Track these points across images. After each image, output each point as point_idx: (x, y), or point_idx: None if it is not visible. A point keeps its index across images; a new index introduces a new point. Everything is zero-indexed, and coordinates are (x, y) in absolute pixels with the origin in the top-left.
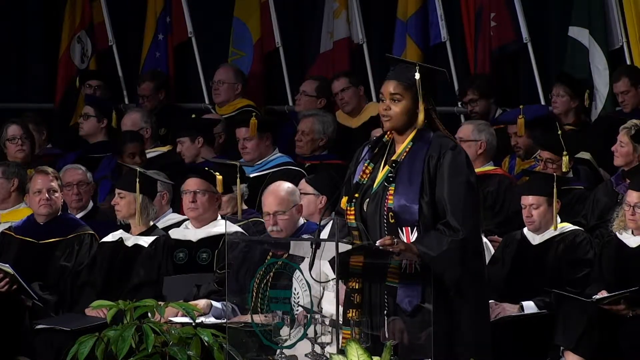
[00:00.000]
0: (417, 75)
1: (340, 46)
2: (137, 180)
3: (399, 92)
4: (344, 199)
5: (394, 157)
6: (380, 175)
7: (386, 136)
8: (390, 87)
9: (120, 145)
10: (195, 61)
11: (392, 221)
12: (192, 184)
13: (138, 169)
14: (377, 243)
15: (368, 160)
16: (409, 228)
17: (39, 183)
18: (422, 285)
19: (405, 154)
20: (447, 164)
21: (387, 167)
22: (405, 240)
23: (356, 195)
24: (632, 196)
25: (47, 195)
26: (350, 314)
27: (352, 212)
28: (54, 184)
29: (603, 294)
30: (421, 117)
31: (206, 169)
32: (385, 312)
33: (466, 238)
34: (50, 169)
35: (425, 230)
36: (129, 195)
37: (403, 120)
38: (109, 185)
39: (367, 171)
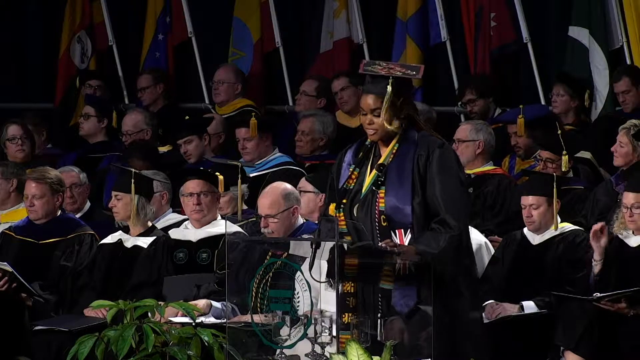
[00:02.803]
0: (389, 89)
1: (340, 46)
2: (132, 181)
3: (378, 107)
4: (332, 206)
5: (380, 160)
6: (369, 180)
7: (369, 139)
8: (369, 101)
9: (127, 155)
10: (195, 61)
11: (385, 224)
12: (194, 186)
13: (133, 170)
14: (381, 244)
15: (353, 165)
16: (402, 230)
17: (25, 189)
18: (417, 287)
19: (392, 156)
20: (436, 163)
21: (374, 171)
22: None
23: (344, 201)
24: (628, 197)
25: (29, 202)
26: (345, 318)
27: (342, 218)
28: (37, 190)
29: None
30: (393, 126)
31: (208, 170)
32: (379, 314)
33: (462, 234)
34: (37, 172)
35: (419, 231)
36: (126, 197)
37: (388, 130)
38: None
39: (354, 176)
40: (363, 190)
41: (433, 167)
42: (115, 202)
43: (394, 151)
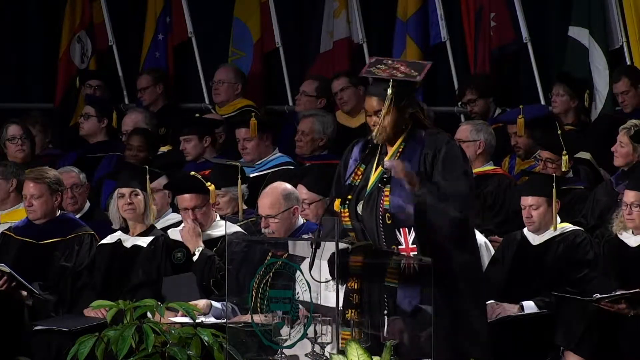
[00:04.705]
0: (390, 92)
1: (340, 46)
2: (147, 178)
3: (381, 109)
4: (337, 201)
5: (386, 158)
6: (374, 177)
7: (375, 140)
8: (373, 103)
9: (126, 140)
10: (195, 61)
11: (389, 222)
12: (187, 201)
13: (147, 167)
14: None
15: (359, 161)
16: (406, 229)
17: (24, 189)
18: (419, 286)
19: (398, 154)
20: (442, 159)
21: (380, 168)
22: (403, 243)
23: (349, 197)
24: (628, 195)
25: (28, 202)
26: (349, 315)
27: (347, 214)
28: (35, 190)
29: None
30: (398, 127)
31: (197, 176)
32: (385, 312)
33: (466, 222)
34: (36, 172)
35: None
36: (141, 194)
37: (394, 131)
38: (111, 185)
39: (359, 172)
40: (368, 187)
41: (439, 164)
42: (132, 199)
43: (400, 150)
